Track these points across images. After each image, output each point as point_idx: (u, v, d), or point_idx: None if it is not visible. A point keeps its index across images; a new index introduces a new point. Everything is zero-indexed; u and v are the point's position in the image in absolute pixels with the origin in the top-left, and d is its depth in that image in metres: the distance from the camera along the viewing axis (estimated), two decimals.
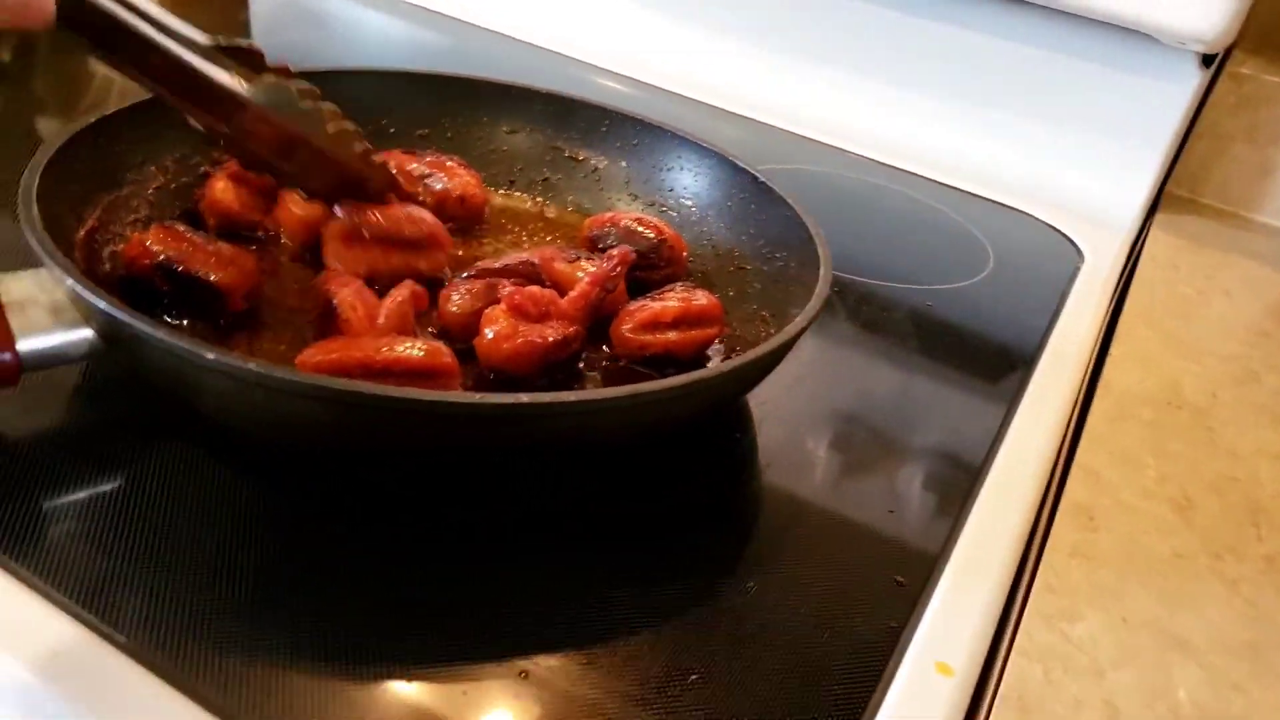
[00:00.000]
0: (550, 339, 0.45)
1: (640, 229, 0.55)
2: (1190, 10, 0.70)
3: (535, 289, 0.47)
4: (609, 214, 0.58)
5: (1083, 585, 0.40)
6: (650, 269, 0.54)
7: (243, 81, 0.45)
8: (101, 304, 0.37)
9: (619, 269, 0.49)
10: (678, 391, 0.38)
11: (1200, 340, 0.62)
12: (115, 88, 0.81)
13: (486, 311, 0.46)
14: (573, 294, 0.48)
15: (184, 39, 0.43)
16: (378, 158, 0.52)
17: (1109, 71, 0.79)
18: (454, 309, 0.48)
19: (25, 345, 0.38)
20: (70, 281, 0.38)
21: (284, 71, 0.47)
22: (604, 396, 0.38)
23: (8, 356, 0.38)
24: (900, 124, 0.87)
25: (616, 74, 0.94)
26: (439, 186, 0.58)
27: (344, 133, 0.49)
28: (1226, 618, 0.39)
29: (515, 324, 0.45)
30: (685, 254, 0.56)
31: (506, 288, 0.48)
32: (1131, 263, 0.75)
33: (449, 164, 0.59)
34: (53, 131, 0.70)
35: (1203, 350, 0.60)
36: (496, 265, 0.51)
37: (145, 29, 0.42)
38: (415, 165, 0.58)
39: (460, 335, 0.47)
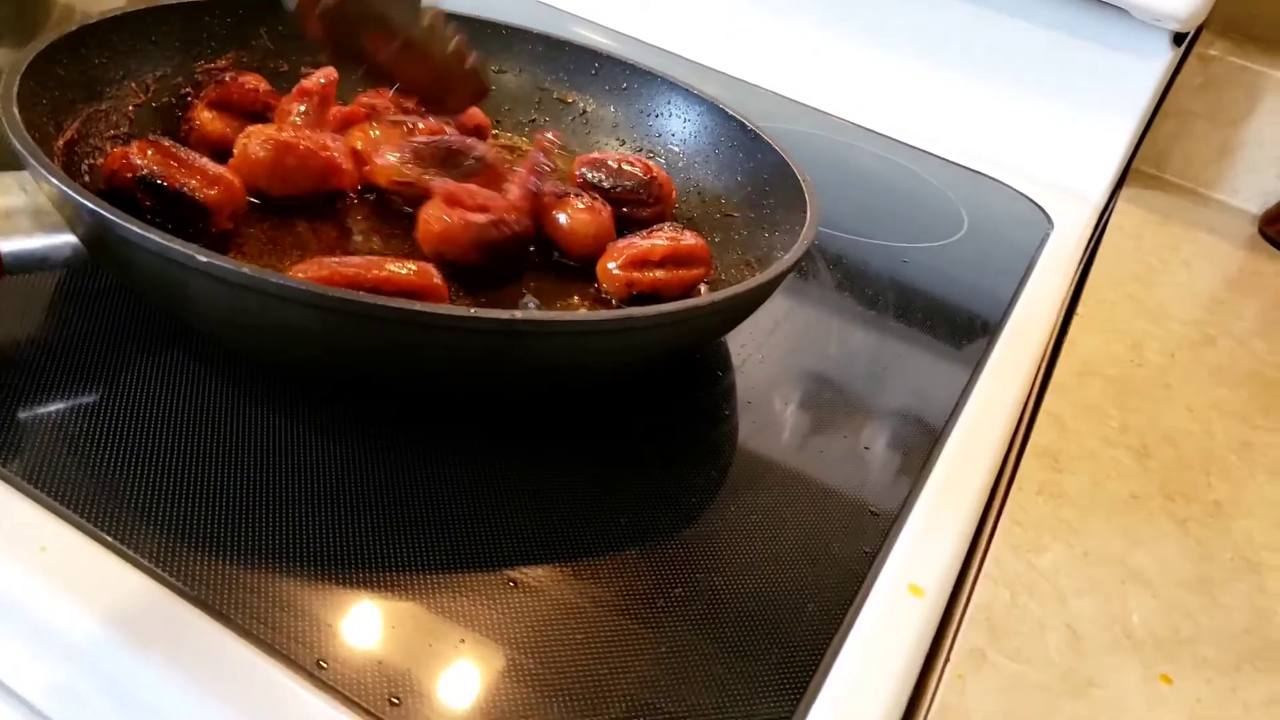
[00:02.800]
0: (484, 218, 0.46)
1: (629, 167, 0.55)
2: None
3: (471, 185, 0.49)
4: (599, 153, 0.58)
5: (1048, 520, 0.41)
6: (638, 205, 0.54)
7: None
8: (91, 205, 0.36)
9: (542, 157, 0.51)
10: (665, 319, 0.39)
11: (1161, 306, 0.64)
12: (77, 15, 0.79)
13: (422, 205, 0.48)
14: (510, 190, 0.50)
15: None
16: (470, 61, 0.50)
17: (1085, 46, 0.81)
18: (381, 163, 0.51)
19: (6, 247, 0.38)
20: (57, 183, 0.37)
21: None
22: (595, 318, 0.38)
23: None
24: (882, 90, 0.88)
25: (604, 27, 0.93)
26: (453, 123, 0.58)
27: (439, 25, 0.48)
28: (1178, 554, 0.41)
29: (446, 209, 0.47)
30: (673, 194, 0.57)
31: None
32: (1099, 233, 0.77)
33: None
34: (8, 60, 0.68)
35: (1164, 315, 0.63)
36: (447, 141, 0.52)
37: None
38: (411, 103, 0.58)
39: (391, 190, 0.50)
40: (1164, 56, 0.78)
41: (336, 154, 0.50)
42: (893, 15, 0.86)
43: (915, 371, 0.53)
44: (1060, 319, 0.62)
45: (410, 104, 0.58)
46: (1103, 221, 0.79)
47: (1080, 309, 0.61)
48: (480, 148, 0.53)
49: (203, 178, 0.46)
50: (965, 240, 0.71)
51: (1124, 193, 0.84)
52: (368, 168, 0.52)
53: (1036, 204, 0.79)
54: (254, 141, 0.49)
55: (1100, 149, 0.82)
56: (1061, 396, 0.51)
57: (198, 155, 0.47)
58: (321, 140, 0.50)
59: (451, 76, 0.49)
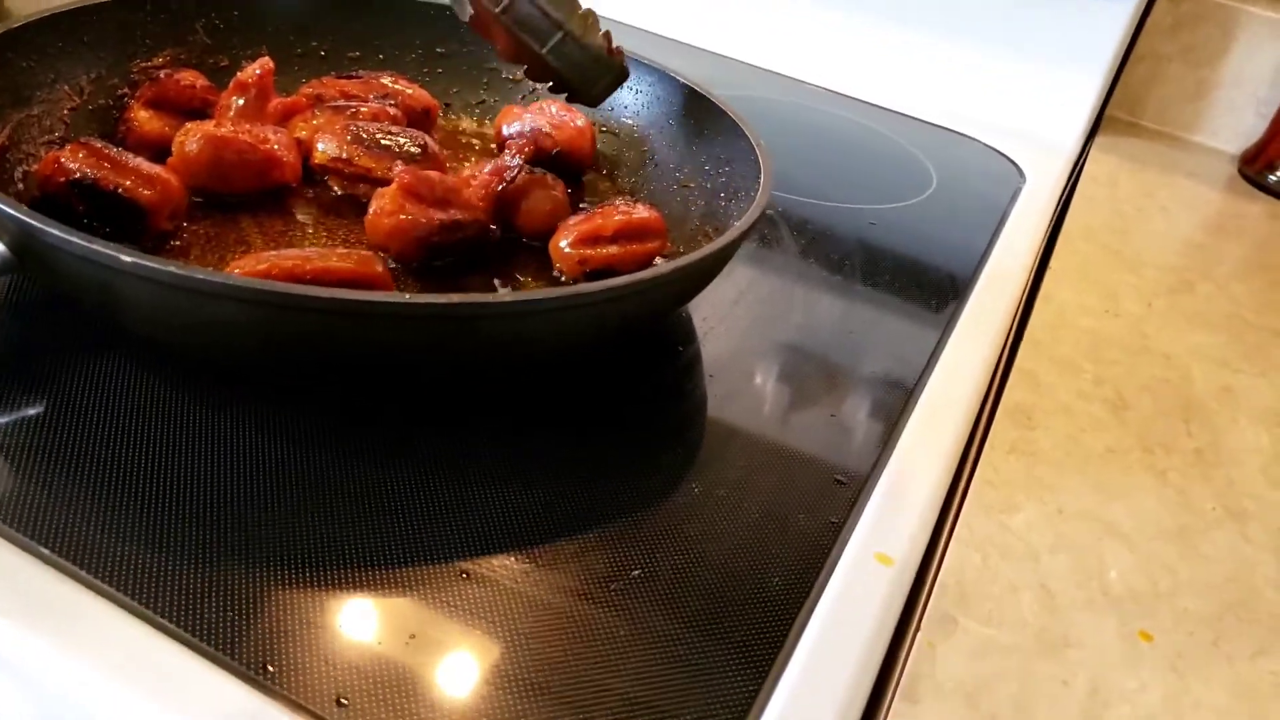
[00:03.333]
0: (438, 220, 0.46)
1: (548, 130, 0.55)
2: None
3: (434, 174, 0.47)
4: (518, 109, 0.57)
5: (1021, 479, 0.40)
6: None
7: None
8: (11, 212, 0.35)
9: (518, 159, 0.50)
10: (613, 293, 0.38)
11: (1138, 253, 0.63)
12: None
13: (378, 190, 0.47)
14: (475, 184, 0.48)
15: None
16: (615, 47, 0.52)
17: None
18: (301, 133, 0.51)
19: None
20: None
21: None
22: (535, 297, 0.37)
23: None
24: (845, 51, 0.86)
25: None
26: (401, 103, 0.56)
27: (591, 15, 0.51)
28: (1157, 506, 0.40)
29: (403, 203, 0.46)
30: (591, 145, 0.57)
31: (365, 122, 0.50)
32: (1072, 184, 0.75)
33: (392, 83, 0.57)
34: None
35: (1140, 262, 0.61)
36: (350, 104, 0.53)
37: None
38: (356, 89, 0.56)
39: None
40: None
41: (277, 146, 0.49)
42: None
43: (885, 335, 0.52)
44: (1033, 273, 0.61)
45: (353, 89, 0.56)
46: (1076, 171, 0.78)
47: (1053, 262, 0.60)
48: (423, 136, 0.52)
49: (138, 178, 0.44)
50: (934, 199, 0.69)
51: (1098, 141, 0.83)
52: (313, 148, 0.51)
53: (1007, 157, 0.77)
54: (191, 139, 0.47)
55: (1070, 97, 0.81)
56: (1035, 352, 0.50)
57: (133, 156, 0.45)
58: (261, 134, 0.49)
59: (599, 64, 0.52)
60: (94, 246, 0.34)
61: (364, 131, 0.51)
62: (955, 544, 0.36)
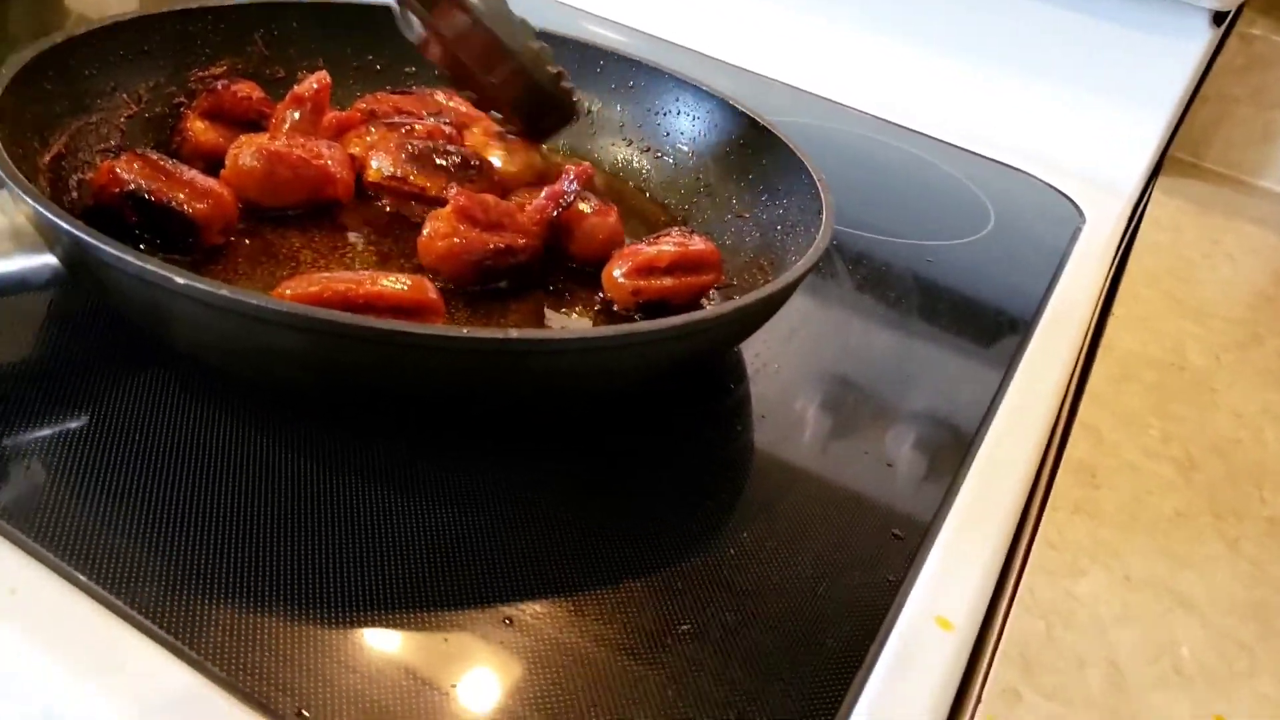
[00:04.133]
0: (492, 245, 0.45)
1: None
2: None
3: (489, 196, 0.47)
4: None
5: (1085, 542, 0.38)
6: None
7: None
8: (65, 226, 0.34)
9: (575, 185, 0.49)
10: (671, 333, 0.37)
11: (1203, 303, 0.61)
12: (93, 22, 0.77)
13: (433, 211, 0.46)
14: (529, 208, 0.48)
15: None
16: (567, 84, 0.52)
17: (1117, 29, 0.77)
18: (354, 149, 0.51)
19: None
20: (32, 203, 0.35)
21: None
22: (594, 335, 0.36)
23: None
24: (902, 80, 0.85)
25: (606, 20, 0.91)
26: (454, 120, 0.56)
27: (543, 50, 0.50)
28: (1229, 578, 0.38)
29: (457, 225, 0.45)
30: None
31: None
32: (1133, 226, 0.73)
33: (446, 99, 0.57)
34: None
35: (1206, 313, 0.59)
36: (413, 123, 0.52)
37: None
38: (410, 105, 0.56)
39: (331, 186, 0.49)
40: (1203, 37, 0.74)
41: (330, 162, 0.49)
42: (916, 7, 0.83)
43: (941, 380, 0.50)
44: (1095, 320, 0.59)
45: (407, 104, 0.56)
46: (1137, 214, 0.76)
47: (1116, 308, 0.58)
48: (478, 155, 0.51)
49: (192, 191, 0.44)
50: (992, 237, 0.68)
51: (1160, 182, 0.80)
52: (367, 165, 0.50)
53: (1067, 196, 0.75)
54: (245, 152, 0.47)
55: (1133, 137, 0.78)
56: (1097, 405, 0.48)
57: (187, 168, 0.45)
58: (315, 149, 0.48)
59: (549, 100, 0.52)
60: (147, 266, 0.33)
61: (419, 150, 0.50)
62: (1018, 609, 0.35)
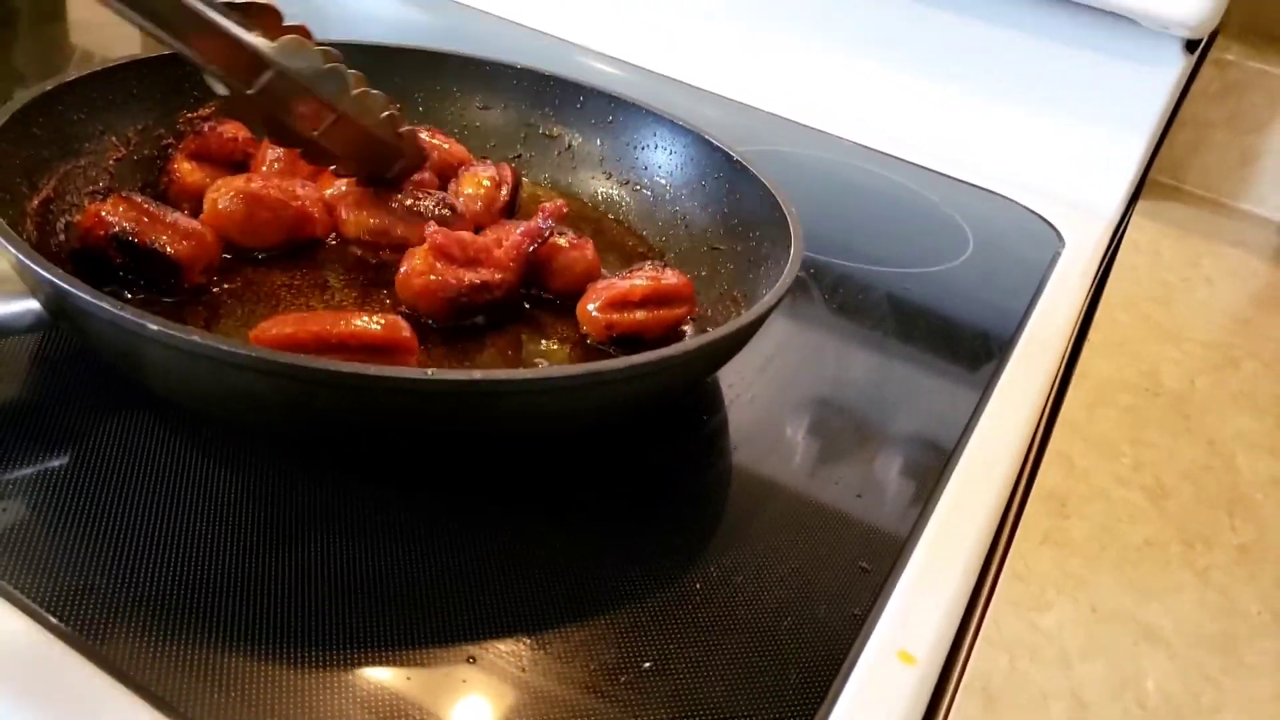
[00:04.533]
0: (468, 281, 0.46)
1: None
2: None
3: (464, 233, 0.47)
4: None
5: (1052, 573, 0.39)
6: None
7: (265, 40, 0.43)
8: (43, 273, 0.35)
9: (550, 223, 0.49)
10: (639, 370, 0.37)
11: (1181, 327, 0.61)
12: (96, 59, 0.79)
13: (408, 250, 0.47)
14: (506, 244, 0.48)
15: None
16: (403, 129, 0.50)
17: (1092, 56, 0.78)
18: (329, 190, 0.51)
19: None
20: (14, 250, 0.36)
21: (303, 31, 0.45)
22: (561, 374, 0.36)
23: None
24: (880, 107, 0.86)
25: (596, 53, 0.92)
26: (436, 157, 0.57)
27: (368, 96, 0.48)
28: (1198, 608, 0.39)
29: (433, 263, 0.46)
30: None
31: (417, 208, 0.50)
32: (1113, 249, 0.74)
33: (429, 137, 0.58)
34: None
35: (1183, 337, 0.60)
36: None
37: None
38: None
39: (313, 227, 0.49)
40: (1176, 64, 0.75)
41: (308, 203, 0.50)
42: (890, 28, 0.84)
43: (916, 409, 0.51)
44: (1071, 344, 0.59)
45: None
46: (1117, 237, 0.76)
47: (1092, 333, 0.58)
48: (452, 199, 0.52)
49: (174, 233, 0.45)
50: (971, 262, 0.68)
51: (1140, 206, 0.81)
52: (341, 218, 0.51)
53: (1046, 221, 0.76)
54: (223, 195, 0.48)
55: (1112, 162, 0.79)
56: (1071, 431, 0.48)
57: (170, 210, 0.46)
58: (291, 190, 0.49)
59: (388, 147, 0.49)
60: (121, 312, 0.34)
61: (394, 201, 0.51)
62: (982, 643, 0.35)
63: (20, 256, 0.36)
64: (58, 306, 0.38)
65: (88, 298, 0.34)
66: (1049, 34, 0.78)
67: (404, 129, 0.50)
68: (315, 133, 0.46)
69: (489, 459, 0.41)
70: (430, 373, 0.34)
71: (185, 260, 0.45)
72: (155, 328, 0.33)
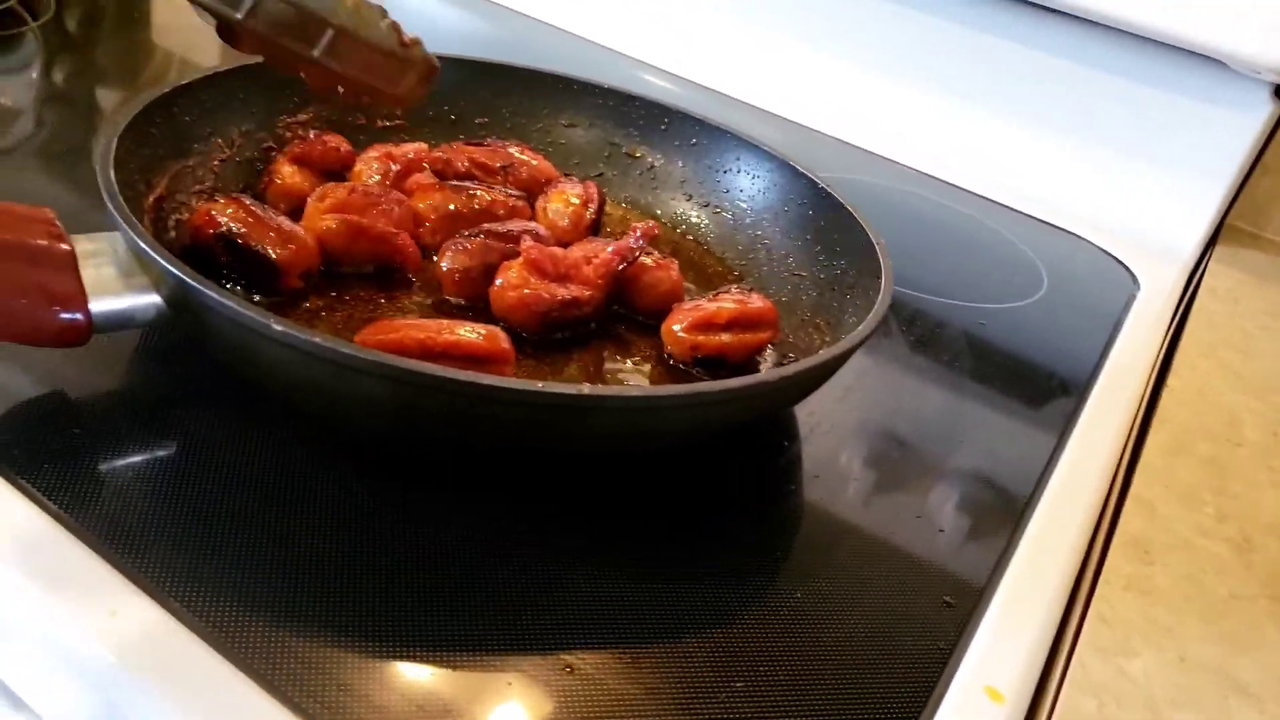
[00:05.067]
0: (559, 296, 0.47)
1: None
2: (1268, 39, 0.69)
3: (557, 249, 0.49)
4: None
5: (1138, 620, 0.39)
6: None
7: None
8: (173, 269, 0.37)
9: (642, 243, 0.50)
10: (738, 393, 0.38)
11: (1261, 376, 0.61)
12: (175, 60, 0.82)
13: (504, 264, 0.48)
14: (596, 261, 0.49)
15: None
16: (408, 38, 0.47)
17: (1176, 97, 0.78)
18: (447, 265, 0.49)
19: (96, 306, 0.39)
20: (143, 246, 0.38)
21: None
22: (664, 393, 0.37)
23: (80, 317, 0.38)
24: (957, 140, 0.86)
25: (671, 74, 0.93)
26: (524, 173, 0.58)
27: (364, 6, 0.44)
28: None
29: (528, 277, 0.47)
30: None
31: (504, 245, 0.49)
32: (1189, 294, 0.73)
33: (518, 153, 0.59)
34: (113, 101, 0.71)
35: (1265, 387, 0.59)
36: (499, 229, 0.51)
37: None
38: (484, 156, 0.58)
39: (452, 291, 0.49)
40: (1263, 109, 0.75)
41: (404, 241, 0.50)
42: (969, 62, 0.84)
43: (994, 446, 0.51)
44: (1149, 390, 0.59)
45: (481, 155, 0.58)
46: (1193, 282, 0.76)
47: (1171, 379, 0.58)
48: (536, 227, 0.52)
49: (278, 236, 0.47)
50: (1045, 300, 0.68)
51: (1217, 251, 0.80)
52: (422, 228, 0.53)
53: (1121, 262, 0.76)
54: (328, 218, 0.49)
55: (1191, 205, 0.79)
56: (1151, 478, 0.48)
57: (275, 214, 0.48)
58: (391, 224, 0.50)
59: (394, 59, 0.46)
60: (245, 311, 0.35)
61: (480, 236, 0.50)
62: (1070, 686, 0.35)
63: (150, 252, 0.38)
64: (180, 301, 0.39)
65: (213, 295, 0.36)
66: (1134, 74, 0.78)
67: (409, 37, 0.47)
68: (315, 52, 0.44)
69: (581, 475, 0.42)
70: (540, 385, 0.35)
71: (285, 264, 0.46)
72: (279, 328, 0.35)
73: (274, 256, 0.46)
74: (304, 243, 0.47)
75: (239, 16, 0.42)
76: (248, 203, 0.47)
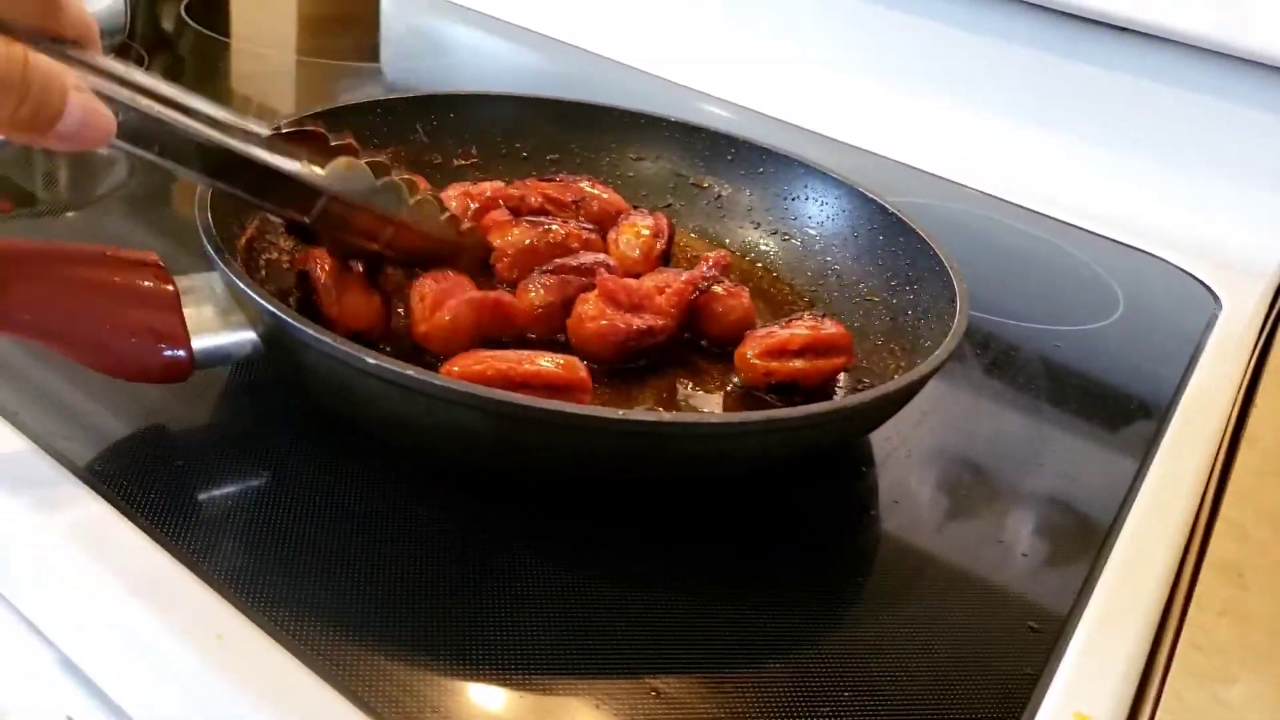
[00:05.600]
0: (635, 325, 0.48)
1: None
2: None
3: (630, 280, 0.50)
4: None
5: (1234, 646, 0.38)
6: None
7: (315, 169, 0.43)
8: (270, 307, 0.39)
9: (714, 272, 0.51)
10: (816, 419, 0.38)
11: None
12: (254, 107, 0.86)
13: (580, 295, 0.49)
14: (669, 290, 0.50)
15: (246, 133, 0.41)
16: (467, 221, 0.51)
17: (1251, 112, 0.76)
18: (528, 301, 0.50)
19: (198, 344, 0.41)
20: (240, 285, 0.40)
21: (351, 149, 0.44)
22: (738, 420, 0.38)
23: (182, 354, 0.40)
24: (1026, 161, 0.85)
25: (734, 104, 0.94)
26: (596, 207, 0.59)
27: (425, 203, 0.47)
28: None
29: (604, 308, 0.48)
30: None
31: (581, 279, 0.50)
32: (1275, 313, 0.71)
33: (589, 187, 0.61)
34: None
35: None
36: (573, 263, 0.52)
37: (208, 132, 0.39)
38: (556, 192, 0.60)
39: (532, 327, 0.50)
40: None
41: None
42: (1040, 86, 0.84)
43: (1073, 469, 0.50)
44: (1236, 411, 0.58)
45: (553, 190, 0.60)
46: (1278, 300, 0.74)
47: (1259, 399, 0.57)
48: (608, 259, 0.53)
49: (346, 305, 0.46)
50: (1122, 322, 0.67)
51: None
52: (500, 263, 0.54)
53: (1200, 281, 0.74)
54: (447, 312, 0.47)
55: (1271, 220, 0.77)
56: (1242, 500, 0.47)
57: (354, 274, 0.47)
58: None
59: (449, 245, 0.49)
60: (340, 346, 0.37)
61: (555, 271, 0.51)
62: (1164, 714, 0.34)
63: (247, 291, 0.40)
64: (275, 337, 0.41)
65: (310, 331, 0.38)
66: (1208, 89, 0.77)
67: (465, 226, 0.50)
68: (377, 246, 0.46)
69: (658, 503, 0.42)
70: (621, 414, 0.36)
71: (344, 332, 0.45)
72: (372, 362, 0.36)
73: (328, 313, 0.46)
74: (372, 319, 0.47)
75: (308, 221, 0.44)
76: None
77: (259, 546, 0.37)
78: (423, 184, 0.49)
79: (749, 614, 0.37)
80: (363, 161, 0.44)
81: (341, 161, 0.44)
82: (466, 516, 0.40)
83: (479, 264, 0.52)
